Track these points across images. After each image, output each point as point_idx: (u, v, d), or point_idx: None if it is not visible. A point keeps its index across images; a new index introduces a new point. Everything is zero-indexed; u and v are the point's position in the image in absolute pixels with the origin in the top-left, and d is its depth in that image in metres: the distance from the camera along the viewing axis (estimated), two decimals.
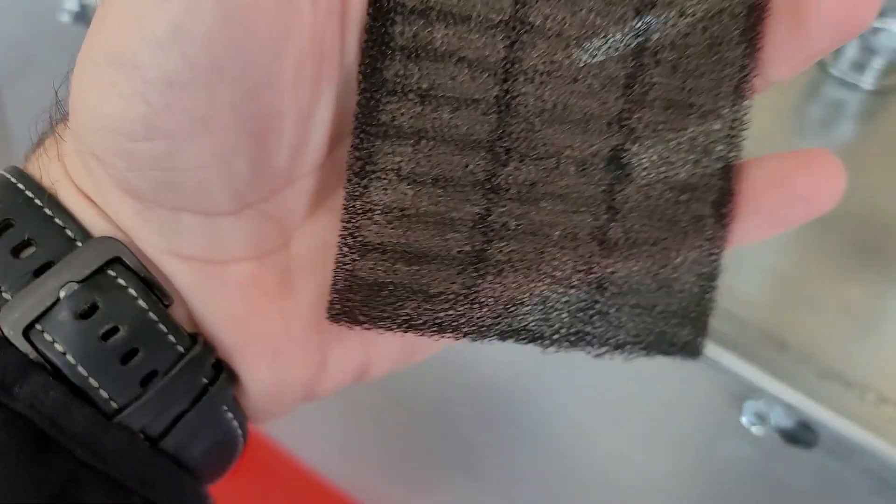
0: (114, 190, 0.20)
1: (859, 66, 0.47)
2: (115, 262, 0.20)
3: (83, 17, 0.45)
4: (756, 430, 0.34)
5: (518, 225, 0.22)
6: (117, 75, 0.17)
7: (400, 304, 0.22)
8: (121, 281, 0.19)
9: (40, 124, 0.21)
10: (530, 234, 0.22)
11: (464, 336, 0.22)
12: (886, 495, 0.32)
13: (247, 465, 0.74)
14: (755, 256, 0.38)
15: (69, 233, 0.20)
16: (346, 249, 0.21)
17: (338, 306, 0.21)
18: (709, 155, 0.22)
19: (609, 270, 0.22)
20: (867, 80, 0.47)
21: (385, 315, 0.22)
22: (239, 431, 0.22)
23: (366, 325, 0.22)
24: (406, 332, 0.22)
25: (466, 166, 0.21)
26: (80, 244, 0.19)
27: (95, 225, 0.20)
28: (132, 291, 0.19)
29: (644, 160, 0.22)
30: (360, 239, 0.21)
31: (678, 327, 0.23)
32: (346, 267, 0.21)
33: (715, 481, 0.37)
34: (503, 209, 0.22)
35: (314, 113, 0.20)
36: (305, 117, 0.20)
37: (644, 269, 0.22)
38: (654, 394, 0.37)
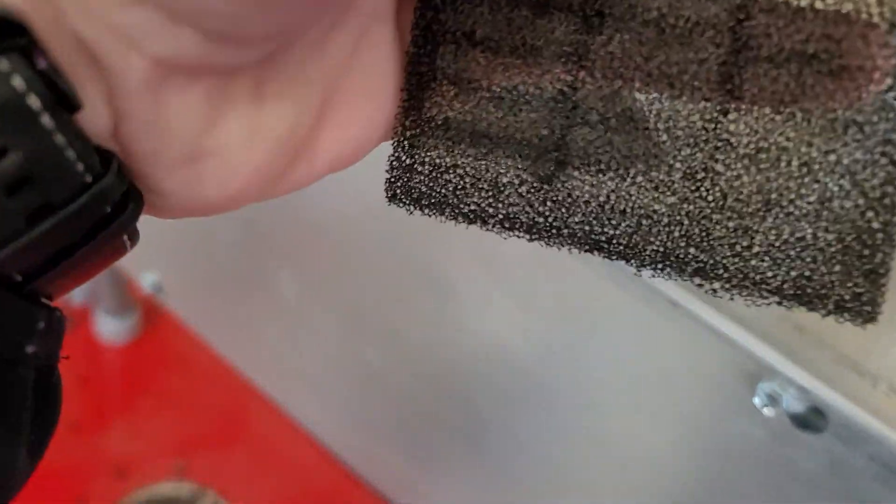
0: None
1: None
2: (11, 47, 0.13)
3: None
4: (767, 411, 0.34)
5: (606, 107, 0.17)
6: None
7: (465, 191, 0.18)
8: (17, 83, 0.13)
9: None
10: (623, 117, 0.17)
11: (538, 238, 0.18)
12: (890, 482, 0.32)
13: (248, 430, 0.74)
14: None
15: None
16: (406, 123, 0.18)
17: (397, 186, 0.19)
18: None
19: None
20: None
21: (448, 202, 0.19)
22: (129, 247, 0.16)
23: (428, 212, 0.19)
24: (472, 224, 0.19)
25: (551, 32, 0.17)
26: None
27: None
28: (34, 101, 0.13)
29: (768, 31, 0.16)
30: (421, 113, 0.18)
31: (839, 274, 0.16)
32: (405, 143, 0.19)
33: (720, 459, 0.38)
34: (590, 86, 0.17)
35: None
36: None
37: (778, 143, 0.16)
38: (667, 367, 0.37)
